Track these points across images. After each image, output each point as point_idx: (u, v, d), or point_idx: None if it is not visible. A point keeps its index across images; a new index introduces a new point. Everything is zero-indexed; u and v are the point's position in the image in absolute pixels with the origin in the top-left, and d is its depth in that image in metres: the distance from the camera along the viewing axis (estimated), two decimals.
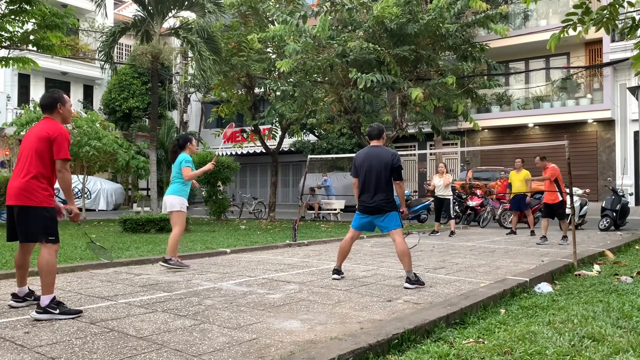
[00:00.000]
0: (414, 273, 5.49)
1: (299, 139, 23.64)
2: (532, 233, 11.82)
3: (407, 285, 5.37)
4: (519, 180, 11.78)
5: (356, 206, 5.82)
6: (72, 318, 4.06)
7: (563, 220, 10.24)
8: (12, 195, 4.19)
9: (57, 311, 4.08)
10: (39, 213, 4.16)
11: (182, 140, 6.86)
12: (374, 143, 5.79)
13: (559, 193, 9.90)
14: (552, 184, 9.99)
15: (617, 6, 6.04)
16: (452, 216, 12.38)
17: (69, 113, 4.49)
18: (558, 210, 10.15)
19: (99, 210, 22.56)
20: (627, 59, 9.12)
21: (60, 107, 4.39)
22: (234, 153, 27.19)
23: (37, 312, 4.06)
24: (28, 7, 13.03)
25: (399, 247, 5.47)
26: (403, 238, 5.54)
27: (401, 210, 5.81)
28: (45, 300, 4.07)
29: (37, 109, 16.57)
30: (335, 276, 5.92)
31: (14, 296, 4.50)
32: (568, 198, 9.13)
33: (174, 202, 6.59)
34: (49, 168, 4.23)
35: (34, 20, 13.62)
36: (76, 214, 4.38)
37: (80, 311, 4.21)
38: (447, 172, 12.22)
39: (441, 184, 11.93)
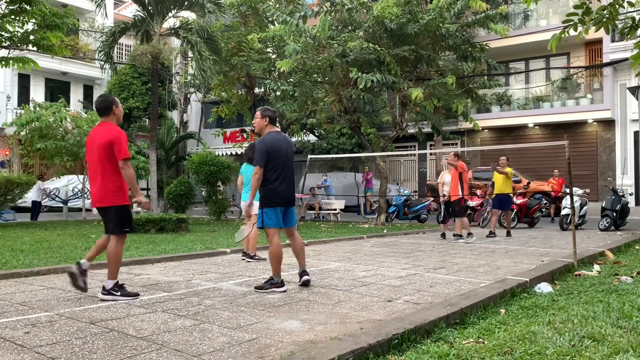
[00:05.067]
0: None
1: (299, 139, 23.65)
2: (508, 234, 11.72)
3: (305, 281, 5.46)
4: (501, 179, 11.69)
5: (265, 200, 5.33)
6: (132, 299, 4.72)
7: (459, 219, 10.73)
8: (94, 200, 4.86)
9: (119, 293, 4.77)
10: (114, 211, 4.79)
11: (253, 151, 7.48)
12: (276, 129, 5.52)
13: (460, 191, 10.41)
14: (457, 183, 10.42)
15: (617, 6, 6.03)
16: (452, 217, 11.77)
17: (121, 113, 5.04)
18: (455, 207, 10.60)
19: None
20: (627, 59, 9.12)
21: (114, 109, 4.93)
22: (234, 153, 27.19)
23: (102, 293, 4.76)
24: (28, 7, 13.04)
25: (301, 241, 5.61)
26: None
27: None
28: (109, 284, 4.77)
29: (37, 109, 16.56)
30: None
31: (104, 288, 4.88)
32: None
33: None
34: (118, 168, 4.79)
35: (34, 20, 13.63)
36: (145, 203, 4.95)
37: (138, 294, 4.89)
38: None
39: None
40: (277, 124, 5.54)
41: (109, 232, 4.89)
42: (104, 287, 4.79)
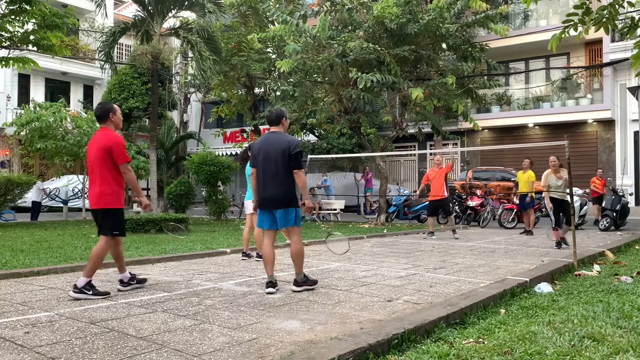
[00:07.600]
0: (304, 274, 5.26)
1: (299, 139, 23.66)
2: (530, 233, 11.86)
3: (295, 288, 5.13)
4: (523, 180, 11.95)
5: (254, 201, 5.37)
6: (103, 298, 4.78)
7: (450, 217, 11.55)
8: (91, 202, 5.02)
9: (90, 292, 4.80)
10: (108, 213, 4.96)
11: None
12: (273, 129, 5.31)
13: (445, 189, 11.26)
14: (443, 183, 11.23)
15: (617, 6, 6.03)
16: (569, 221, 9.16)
17: (119, 120, 5.19)
18: (445, 206, 11.46)
19: None
20: (627, 59, 9.11)
21: (112, 116, 5.09)
22: (234, 153, 27.19)
23: (73, 291, 4.77)
24: (28, 7, 13.04)
25: (294, 246, 5.20)
26: (300, 237, 5.27)
27: (302, 202, 5.28)
28: (82, 282, 4.80)
29: (37, 109, 16.56)
30: (271, 289, 5.03)
31: (120, 282, 5.19)
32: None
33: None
34: (114, 173, 4.98)
35: (34, 21, 13.63)
36: (146, 204, 5.23)
37: (109, 293, 4.96)
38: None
39: (561, 183, 9.15)
40: (276, 124, 5.29)
41: (100, 234, 5.05)
42: (75, 285, 4.80)
